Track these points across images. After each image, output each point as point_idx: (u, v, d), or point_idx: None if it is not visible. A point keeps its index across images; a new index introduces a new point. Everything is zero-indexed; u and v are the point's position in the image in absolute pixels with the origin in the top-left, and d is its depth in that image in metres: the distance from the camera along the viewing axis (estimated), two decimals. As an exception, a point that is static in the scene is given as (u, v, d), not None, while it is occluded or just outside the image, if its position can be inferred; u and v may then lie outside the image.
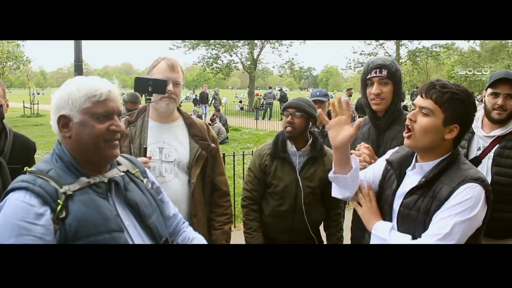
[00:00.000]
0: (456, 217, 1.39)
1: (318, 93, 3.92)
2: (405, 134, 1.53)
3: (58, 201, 1.14)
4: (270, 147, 2.49)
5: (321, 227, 2.65)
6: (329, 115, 3.90)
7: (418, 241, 1.45)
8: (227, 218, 2.19)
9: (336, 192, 1.77)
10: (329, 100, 3.92)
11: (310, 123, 2.47)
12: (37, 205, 1.12)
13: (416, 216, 1.49)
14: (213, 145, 2.11)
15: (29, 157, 2.33)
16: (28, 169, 1.22)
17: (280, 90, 29.07)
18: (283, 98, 21.41)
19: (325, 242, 2.63)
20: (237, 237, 4.66)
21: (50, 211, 1.13)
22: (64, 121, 1.23)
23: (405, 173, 1.61)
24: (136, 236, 1.29)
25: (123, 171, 1.37)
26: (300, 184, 2.40)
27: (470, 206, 1.39)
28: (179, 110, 2.16)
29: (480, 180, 1.43)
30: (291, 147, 2.46)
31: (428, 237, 1.42)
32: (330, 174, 1.72)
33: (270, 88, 26.48)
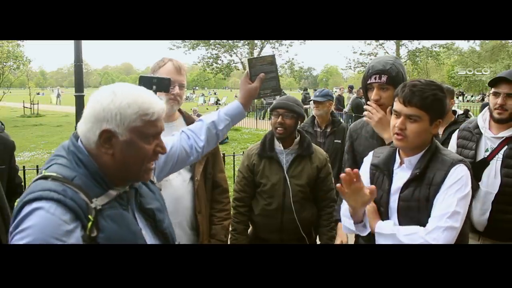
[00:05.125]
0: (457, 194, 1.52)
1: (318, 93, 3.91)
2: (397, 137, 1.62)
3: (89, 217, 1.05)
4: (258, 147, 2.51)
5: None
6: (332, 115, 3.89)
7: (428, 226, 1.52)
8: (226, 214, 2.24)
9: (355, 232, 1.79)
10: (330, 100, 3.90)
11: (299, 122, 2.48)
12: (68, 221, 1.02)
13: (417, 205, 1.59)
14: None
15: (11, 156, 2.34)
16: (47, 173, 1.09)
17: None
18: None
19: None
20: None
21: (81, 228, 1.04)
22: (107, 136, 1.12)
23: (392, 171, 1.70)
24: (151, 242, 1.24)
25: None
26: (288, 182, 2.40)
27: (464, 183, 1.55)
28: (179, 109, 2.18)
29: (463, 161, 1.60)
30: (278, 146, 2.47)
31: (437, 219, 1.51)
32: (350, 226, 1.73)
33: None
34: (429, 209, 1.56)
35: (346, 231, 1.84)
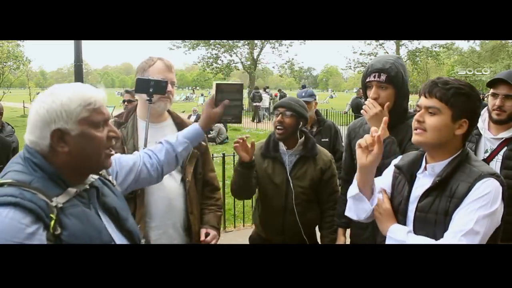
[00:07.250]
0: (478, 212, 1.36)
1: (303, 94, 3.89)
2: (415, 132, 1.50)
3: (51, 215, 1.05)
4: (261, 147, 2.48)
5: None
6: (317, 114, 3.89)
7: (440, 241, 1.40)
8: (218, 207, 2.23)
9: (351, 213, 1.67)
10: (315, 99, 3.90)
11: (301, 123, 2.44)
12: (29, 224, 1.01)
13: (434, 219, 1.45)
14: (203, 143, 2.12)
15: (8, 155, 2.34)
16: (2, 181, 1.07)
17: (279, 90, 27.67)
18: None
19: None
20: (237, 237, 4.67)
21: (43, 228, 1.03)
22: (59, 135, 1.12)
23: (415, 177, 1.58)
24: (119, 241, 1.24)
25: (98, 174, 1.29)
26: (291, 184, 2.38)
27: (490, 200, 1.37)
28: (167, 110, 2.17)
29: (496, 175, 1.42)
30: (282, 146, 2.45)
31: (451, 235, 1.38)
32: (352, 193, 1.62)
33: (256, 88, 22.44)
34: (447, 225, 1.41)
35: (349, 214, 1.67)
